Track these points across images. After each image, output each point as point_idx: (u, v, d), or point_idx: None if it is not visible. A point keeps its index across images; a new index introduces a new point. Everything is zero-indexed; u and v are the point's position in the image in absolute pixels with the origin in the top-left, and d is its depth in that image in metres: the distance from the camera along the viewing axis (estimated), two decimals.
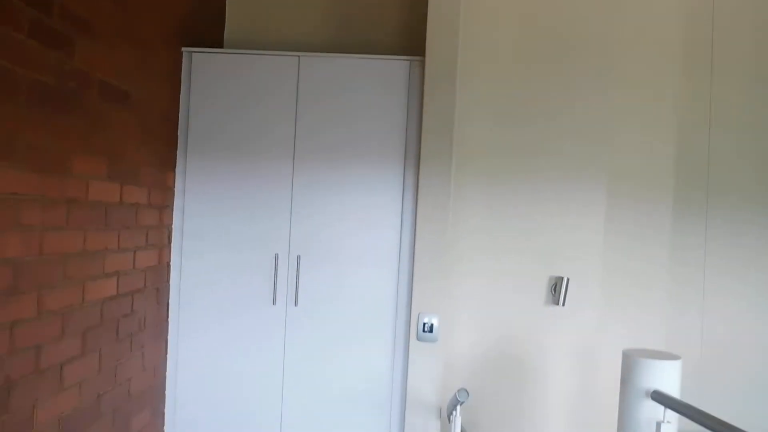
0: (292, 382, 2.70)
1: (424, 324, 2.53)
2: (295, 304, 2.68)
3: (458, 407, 2.19)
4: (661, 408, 2.09)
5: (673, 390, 2.12)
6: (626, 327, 4.20)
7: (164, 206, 2.66)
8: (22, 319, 1.71)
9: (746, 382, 4.24)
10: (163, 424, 2.76)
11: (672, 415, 2.07)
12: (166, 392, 2.76)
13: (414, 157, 2.70)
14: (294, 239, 2.69)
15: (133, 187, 2.34)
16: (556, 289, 3.05)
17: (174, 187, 2.73)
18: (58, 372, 1.91)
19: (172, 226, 2.73)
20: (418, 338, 2.53)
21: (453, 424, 2.22)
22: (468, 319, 3.03)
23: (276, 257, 2.68)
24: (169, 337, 2.75)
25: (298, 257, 2.67)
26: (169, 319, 2.74)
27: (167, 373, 2.75)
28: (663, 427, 2.03)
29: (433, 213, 2.64)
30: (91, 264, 2.06)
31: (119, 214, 2.25)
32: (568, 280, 3.02)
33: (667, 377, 2.13)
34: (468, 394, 2.13)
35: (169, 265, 2.72)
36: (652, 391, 2.11)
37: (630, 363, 2.20)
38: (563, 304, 3.03)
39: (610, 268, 4.23)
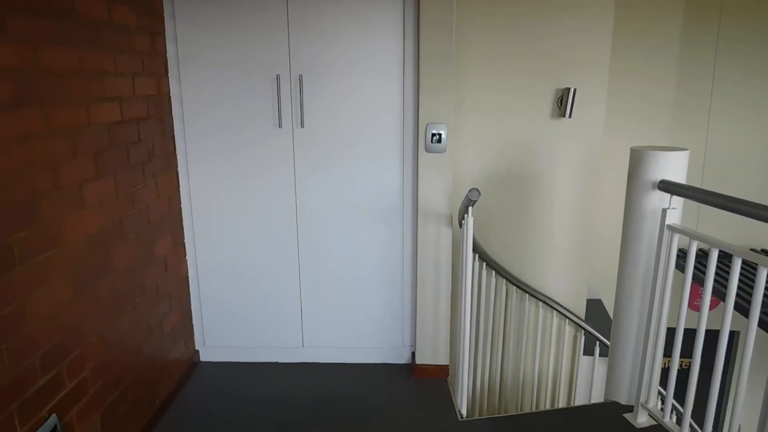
0: (304, 202, 2.76)
1: (433, 135, 2.53)
2: (302, 125, 2.66)
3: (470, 208, 2.26)
4: (667, 196, 2.15)
5: (678, 180, 2.18)
6: (631, 137, 4.26)
7: (156, 33, 2.53)
8: (32, 134, 1.70)
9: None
10: (185, 253, 2.88)
11: (677, 201, 2.14)
12: (184, 222, 2.84)
13: None
14: (294, 59, 2.61)
15: (119, 6, 2.22)
16: (563, 102, 3.02)
17: (163, 11, 2.59)
18: (78, 190, 1.94)
19: (167, 55, 2.63)
20: (427, 149, 2.54)
21: (466, 224, 2.30)
22: (476, 134, 3.04)
23: (278, 78, 2.61)
24: (179, 169, 2.77)
25: (300, 77, 2.60)
26: (177, 151, 2.74)
27: (182, 204, 2.81)
28: (668, 213, 2.11)
29: (437, 17, 2.53)
30: (91, 84, 2.01)
31: (110, 33, 2.15)
32: (574, 90, 2.97)
33: (674, 168, 2.17)
34: (479, 193, 2.18)
35: (169, 96, 2.66)
36: (659, 181, 2.17)
37: (638, 157, 2.23)
38: (570, 116, 3.01)
39: (617, 81, 4.19)
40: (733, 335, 5.00)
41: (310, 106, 2.65)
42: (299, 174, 2.73)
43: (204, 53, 2.62)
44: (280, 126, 2.66)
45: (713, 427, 2.02)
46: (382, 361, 2.97)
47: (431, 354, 2.83)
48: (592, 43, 2.96)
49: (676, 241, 2.12)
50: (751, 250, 4.40)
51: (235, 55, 2.62)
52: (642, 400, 2.34)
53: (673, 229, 2.10)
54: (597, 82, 3.02)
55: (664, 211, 2.12)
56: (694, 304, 4.62)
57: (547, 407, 3.40)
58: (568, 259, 3.27)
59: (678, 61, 4.19)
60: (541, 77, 3.01)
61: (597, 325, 3.42)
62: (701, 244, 2.01)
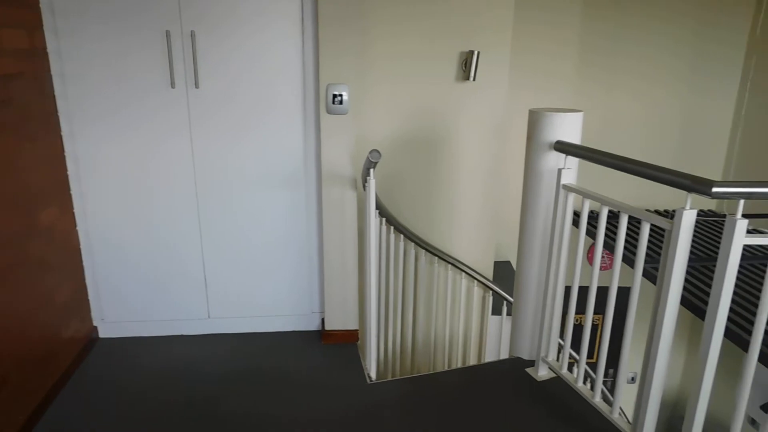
0: (203, 166, 2.63)
1: (334, 96, 2.46)
2: (196, 85, 2.51)
3: (372, 170, 2.22)
4: (563, 156, 2.21)
5: (573, 140, 2.23)
6: (538, 98, 4.35)
7: None
8: None
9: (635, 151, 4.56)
10: (75, 223, 2.69)
11: (572, 162, 2.20)
12: (72, 190, 2.64)
13: None
14: (185, 13, 2.43)
15: None
16: (467, 64, 3.02)
17: None
18: None
19: (40, 5, 2.39)
20: (329, 111, 2.47)
21: (368, 186, 2.27)
22: (383, 97, 3.00)
23: (167, 34, 2.44)
24: (62, 132, 2.55)
25: (193, 33, 2.44)
26: (59, 112, 2.52)
27: (68, 170, 2.61)
28: (564, 173, 2.16)
29: None
30: None
31: None
32: (478, 53, 2.97)
33: (569, 129, 2.22)
34: (380, 154, 2.14)
35: (45, 51, 2.43)
36: (554, 142, 2.21)
37: (535, 118, 2.26)
38: (474, 79, 3.02)
39: (523, 42, 4.25)
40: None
41: (205, 65, 2.50)
42: (196, 137, 2.59)
43: (83, 4, 2.40)
44: (173, 86, 2.50)
45: (613, 377, 2.12)
46: (292, 329, 2.92)
47: (340, 319, 2.81)
48: (495, 6, 2.96)
49: (572, 201, 2.18)
50: (647, 210, 4.67)
51: (119, 7, 2.41)
52: (542, 354, 2.43)
53: (567, 188, 2.15)
54: (500, 45, 3.04)
55: (559, 171, 2.17)
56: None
57: (459, 366, 3.50)
58: (477, 221, 3.33)
59: (581, 20, 4.30)
60: (446, 40, 3.00)
61: (506, 286, 3.52)
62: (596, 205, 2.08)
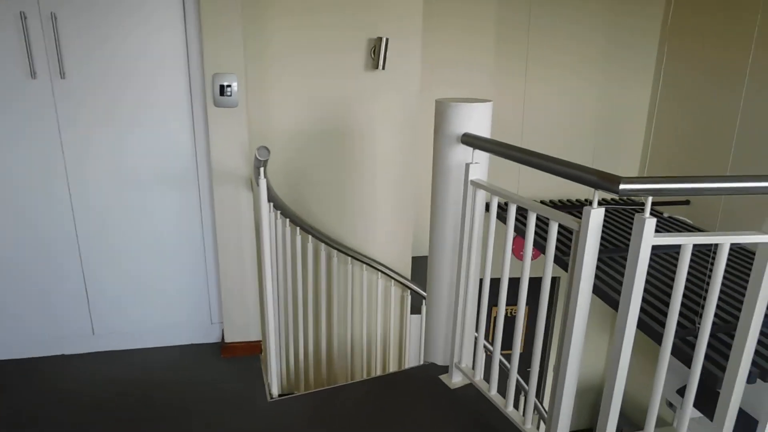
0: (77, 167, 2.32)
1: (222, 87, 2.21)
2: (62, 75, 2.19)
3: (262, 169, 2.00)
4: (470, 150, 2.06)
5: (483, 132, 2.09)
6: (456, 88, 4.22)
7: None
8: None
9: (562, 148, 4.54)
10: None
11: (481, 156, 2.05)
12: None
13: None
14: None
15: None
16: (375, 52, 2.83)
17: None
18: None
19: None
20: (216, 103, 2.22)
21: (259, 186, 2.05)
22: (286, 90, 2.77)
23: (22, 16, 2.11)
24: None
25: (54, 15, 2.13)
26: None
27: None
28: (471, 168, 2.01)
29: None
30: None
31: None
32: (387, 40, 2.79)
33: (478, 120, 2.07)
34: (268, 151, 1.92)
35: None
36: (462, 134, 2.06)
37: (441, 109, 2.10)
38: (383, 67, 2.84)
39: (440, 31, 4.11)
40: (555, 281, 5.34)
41: (72, 52, 2.19)
42: (66, 135, 2.27)
43: None
44: (33, 76, 2.18)
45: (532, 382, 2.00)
46: (188, 342, 2.66)
47: (241, 330, 2.57)
48: None
49: (482, 197, 2.04)
50: (566, 202, 4.68)
51: None
52: (455, 359, 2.29)
53: (476, 184, 2.01)
54: (411, 32, 2.87)
55: (467, 166, 2.02)
56: (519, 254, 4.83)
57: (378, 373, 3.33)
58: (392, 217, 3.16)
59: (497, 9, 4.21)
60: (353, 27, 2.80)
61: (425, 283, 3.38)
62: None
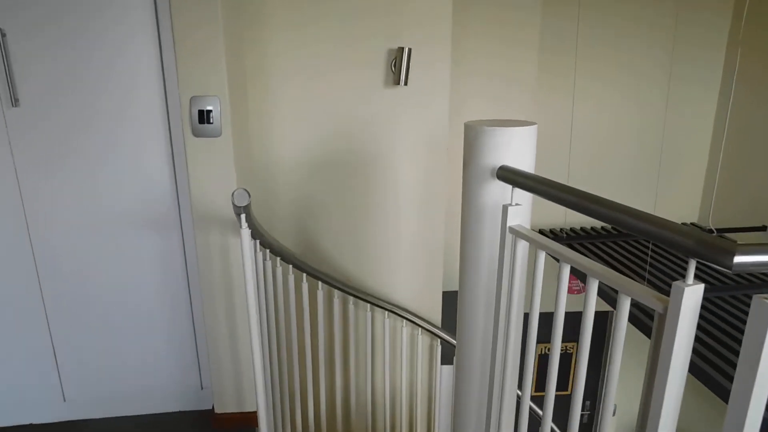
0: (38, 211, 1.96)
1: (200, 112, 1.82)
2: (14, 103, 1.84)
3: (242, 216, 1.59)
4: (508, 188, 1.60)
5: (525, 165, 1.63)
6: (494, 108, 3.76)
7: None
8: None
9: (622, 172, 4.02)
10: None
11: (522, 196, 1.60)
12: None
13: None
14: None
15: None
16: (396, 65, 2.41)
17: None
18: None
19: None
20: (195, 132, 1.82)
21: (242, 238, 1.64)
22: (284, 113, 2.37)
23: None
24: None
25: (1, 32, 1.78)
26: None
27: None
28: (510, 211, 1.56)
29: None
30: None
31: None
32: (410, 50, 2.37)
33: (518, 148, 1.62)
34: (248, 195, 1.52)
35: None
36: (498, 167, 1.61)
37: (472, 134, 1.65)
38: (405, 83, 2.41)
39: (477, 44, 3.66)
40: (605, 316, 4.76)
41: (26, 75, 1.83)
42: (23, 172, 1.92)
43: None
44: None
45: None
46: (176, 410, 2.27)
47: (234, 398, 2.16)
48: None
49: (524, 249, 1.58)
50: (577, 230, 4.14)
51: None
52: None
53: (516, 232, 1.55)
54: (438, 40, 2.43)
55: (504, 208, 1.57)
56: (574, 289, 4.31)
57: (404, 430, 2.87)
58: (418, 254, 2.71)
59: (541, 19, 3.73)
60: (369, 36, 2.38)
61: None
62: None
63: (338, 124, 2.43)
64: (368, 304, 2.63)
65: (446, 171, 2.60)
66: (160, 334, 2.16)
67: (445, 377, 3.01)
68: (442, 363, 2.96)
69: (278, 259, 2.03)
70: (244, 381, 2.14)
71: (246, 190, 1.50)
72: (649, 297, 1.11)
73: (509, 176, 1.56)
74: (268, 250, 1.91)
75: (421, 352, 2.84)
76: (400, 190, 2.58)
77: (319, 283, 2.38)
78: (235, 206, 1.54)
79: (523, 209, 1.59)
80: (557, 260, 1.39)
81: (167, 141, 1.92)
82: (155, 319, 2.13)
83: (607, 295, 3.37)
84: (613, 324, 4.69)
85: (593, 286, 1.30)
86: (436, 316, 2.87)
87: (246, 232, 1.62)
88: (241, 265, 2.02)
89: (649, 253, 3.56)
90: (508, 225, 1.57)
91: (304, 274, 2.27)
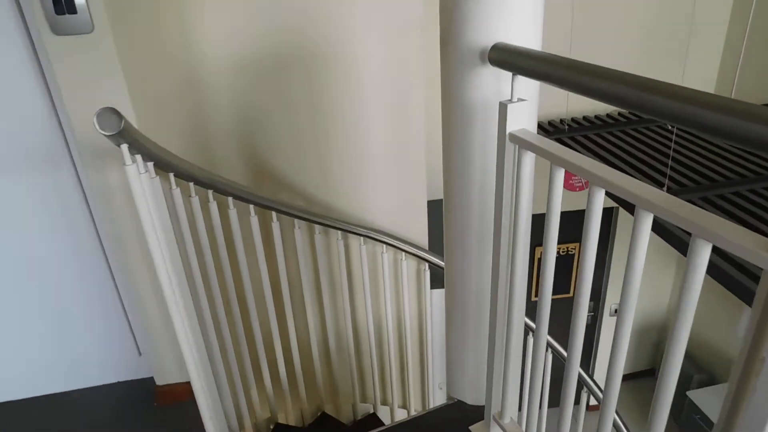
0: None
1: None
2: None
3: (124, 147, 1.10)
4: (507, 75, 1.11)
5: (529, 41, 1.13)
6: None
7: None
8: None
9: None
10: None
11: (527, 87, 1.11)
12: None
13: None
14: None
15: None
16: None
17: None
18: None
19: None
20: (55, 29, 1.27)
21: (127, 176, 1.15)
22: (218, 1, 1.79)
23: None
24: None
25: None
26: None
27: None
28: (511, 110, 1.07)
29: None
30: None
31: None
32: None
33: (519, 17, 1.10)
34: (118, 117, 1.02)
35: None
36: (490, 46, 1.10)
37: (451, 1, 1.13)
38: None
39: None
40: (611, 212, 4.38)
41: None
42: None
43: None
44: None
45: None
46: (114, 380, 1.88)
47: (177, 367, 1.76)
48: None
49: (530, 162, 1.11)
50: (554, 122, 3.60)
51: None
52: (493, 410, 1.45)
53: (519, 141, 1.07)
54: None
55: (503, 106, 1.08)
56: (569, 183, 3.90)
57: (394, 370, 2.54)
58: (395, 166, 2.25)
59: None
60: None
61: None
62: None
63: (285, 8, 1.86)
64: (339, 231, 2.20)
65: (421, 58, 2.06)
66: (79, 296, 1.72)
67: (436, 302, 2.64)
68: (432, 287, 2.59)
69: (192, 186, 1.54)
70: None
71: (114, 110, 1.00)
72: (753, 248, 0.66)
73: (508, 58, 1.06)
74: (192, 183, 1.43)
75: (407, 280, 2.45)
76: (367, 89, 2.05)
77: (273, 213, 1.92)
78: (103, 134, 1.05)
79: (528, 106, 1.10)
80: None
81: (26, 43, 1.38)
82: (66, 280, 1.69)
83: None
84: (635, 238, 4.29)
85: (647, 220, 0.85)
86: (422, 238, 2.45)
87: (132, 169, 1.14)
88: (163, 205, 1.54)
89: (672, 146, 3.06)
90: (507, 130, 1.09)
91: (252, 206, 1.81)
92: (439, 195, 3.05)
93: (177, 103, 1.75)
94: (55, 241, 1.62)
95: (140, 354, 1.85)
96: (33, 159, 1.50)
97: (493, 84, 1.15)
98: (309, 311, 2.25)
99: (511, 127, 1.09)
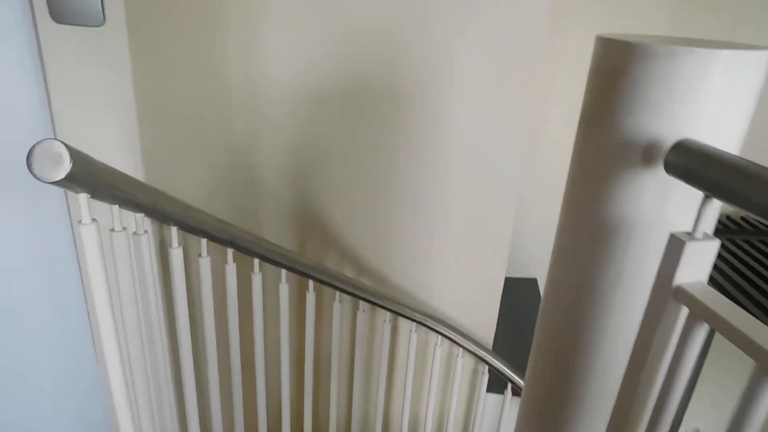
0: None
1: None
2: None
3: (85, 198, 0.74)
4: (690, 193, 0.68)
5: (730, 139, 0.70)
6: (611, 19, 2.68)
7: None
8: None
9: None
10: None
11: (712, 214, 0.67)
12: None
13: None
14: None
15: None
16: None
17: None
18: None
19: None
20: (55, 16, 0.95)
21: (80, 236, 0.79)
22: (280, 18, 1.47)
23: None
24: None
25: None
26: None
27: None
28: (688, 250, 0.65)
29: None
30: None
31: None
32: None
33: (724, 101, 0.68)
34: (67, 152, 0.67)
35: None
36: (672, 144, 0.68)
37: (619, 59, 0.72)
38: None
39: None
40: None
41: None
42: None
43: None
44: None
45: None
46: None
47: None
48: None
49: (701, 340, 0.67)
50: None
51: None
52: None
53: (691, 301, 0.63)
54: None
55: (676, 241, 0.65)
56: None
57: None
58: (472, 248, 1.83)
59: None
60: None
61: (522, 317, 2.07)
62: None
63: (358, 34, 1.51)
64: (388, 313, 1.79)
65: (528, 112, 1.65)
66: (45, 350, 1.39)
67: (489, 407, 2.18)
68: (487, 390, 2.14)
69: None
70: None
71: (62, 142, 0.65)
72: None
73: (703, 170, 0.63)
74: (176, 230, 1.07)
75: (459, 378, 2.01)
76: (455, 146, 1.66)
77: (311, 283, 1.54)
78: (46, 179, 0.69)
79: (709, 248, 0.67)
80: None
81: (29, 35, 1.07)
82: (38, 320, 1.36)
83: None
84: None
85: None
86: (488, 330, 2.01)
87: (89, 229, 0.77)
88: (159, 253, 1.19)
89: None
90: (675, 282, 0.66)
91: (284, 271, 1.43)
92: (512, 272, 2.58)
93: (203, 131, 1.42)
94: (29, 268, 1.30)
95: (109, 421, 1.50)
96: (15, 174, 1.19)
97: (658, 200, 0.73)
98: (333, 395, 1.85)
99: (683, 277, 0.66)
